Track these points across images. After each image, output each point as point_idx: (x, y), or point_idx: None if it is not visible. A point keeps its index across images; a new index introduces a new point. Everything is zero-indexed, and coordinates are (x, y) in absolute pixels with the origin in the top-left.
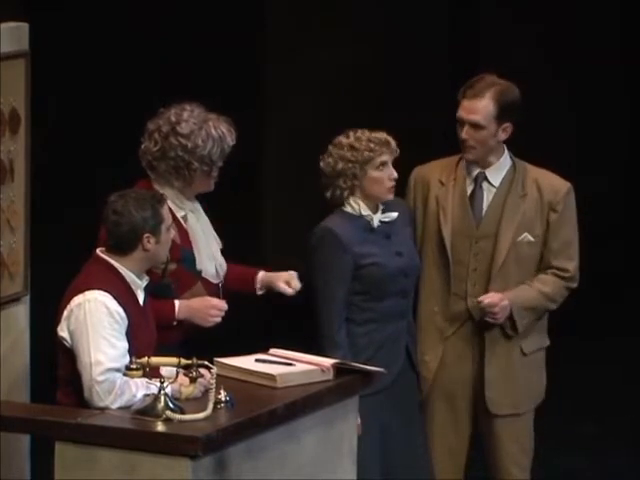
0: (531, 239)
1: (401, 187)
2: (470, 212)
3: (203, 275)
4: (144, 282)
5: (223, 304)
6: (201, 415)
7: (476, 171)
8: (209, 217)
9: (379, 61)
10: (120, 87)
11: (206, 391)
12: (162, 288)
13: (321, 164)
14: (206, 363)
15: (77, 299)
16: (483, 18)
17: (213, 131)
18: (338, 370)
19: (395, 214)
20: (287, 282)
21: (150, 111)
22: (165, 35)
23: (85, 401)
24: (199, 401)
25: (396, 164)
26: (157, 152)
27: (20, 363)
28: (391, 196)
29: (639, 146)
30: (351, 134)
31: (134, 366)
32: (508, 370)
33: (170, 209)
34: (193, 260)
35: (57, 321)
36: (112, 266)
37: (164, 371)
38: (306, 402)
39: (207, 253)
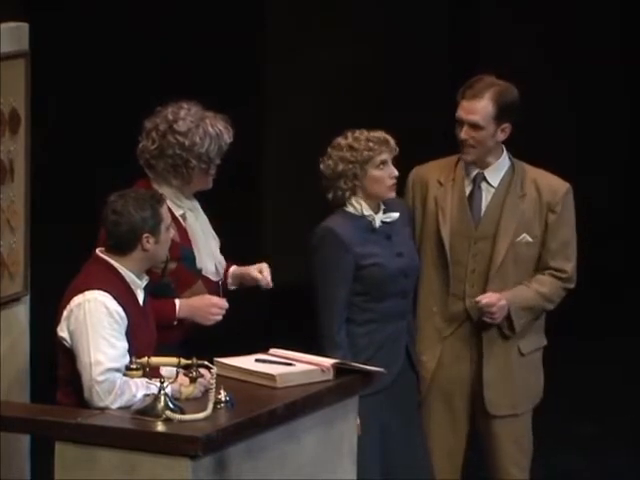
0: (530, 240)
1: (401, 187)
2: (469, 213)
3: (203, 273)
4: (144, 282)
5: (224, 302)
6: (201, 415)
7: (475, 171)
8: (209, 218)
9: (379, 61)
10: (120, 87)
11: (206, 391)
12: (162, 287)
13: (321, 166)
14: (206, 363)
15: (77, 299)
16: (483, 18)
17: (210, 129)
18: (338, 370)
19: (397, 214)
20: (260, 271)
21: (150, 111)
22: (165, 35)
23: (85, 401)
24: (199, 401)
25: (396, 164)
26: (155, 150)
27: (20, 363)
28: (393, 194)
29: (639, 146)
30: (349, 135)
31: (134, 366)
32: (506, 370)
33: (169, 208)
34: (193, 258)
35: (57, 321)
36: (112, 266)
37: (164, 371)
38: (306, 402)
39: (207, 251)
